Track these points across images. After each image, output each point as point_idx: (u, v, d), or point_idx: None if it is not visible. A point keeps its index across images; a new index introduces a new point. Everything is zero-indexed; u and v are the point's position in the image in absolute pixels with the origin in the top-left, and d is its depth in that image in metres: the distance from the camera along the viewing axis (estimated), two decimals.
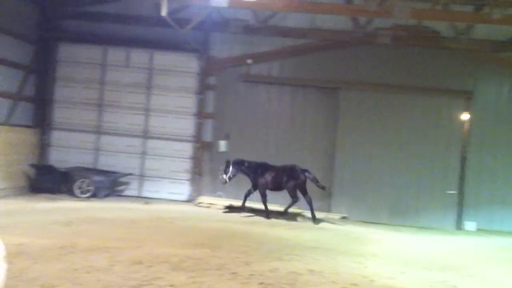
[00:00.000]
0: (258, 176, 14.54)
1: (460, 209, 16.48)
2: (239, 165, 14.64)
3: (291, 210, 15.01)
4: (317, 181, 14.57)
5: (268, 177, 14.50)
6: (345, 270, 8.64)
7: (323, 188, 14.73)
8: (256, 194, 14.78)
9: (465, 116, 16.60)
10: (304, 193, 14.52)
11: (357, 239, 12.36)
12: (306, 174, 14.50)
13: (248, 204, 14.86)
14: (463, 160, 16.56)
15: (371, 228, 14.85)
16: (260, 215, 14.46)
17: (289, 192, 14.43)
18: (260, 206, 14.79)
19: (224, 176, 14.55)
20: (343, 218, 16.21)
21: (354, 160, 16.66)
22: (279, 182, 14.49)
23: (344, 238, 12.28)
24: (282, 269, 8.27)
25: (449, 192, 16.40)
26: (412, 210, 16.50)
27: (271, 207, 15.79)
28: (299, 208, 15.89)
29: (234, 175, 14.65)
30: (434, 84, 16.63)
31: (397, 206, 16.53)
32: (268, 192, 14.65)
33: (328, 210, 16.51)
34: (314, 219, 14.31)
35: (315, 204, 15.58)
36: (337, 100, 16.86)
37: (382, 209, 16.52)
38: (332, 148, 16.83)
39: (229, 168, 14.51)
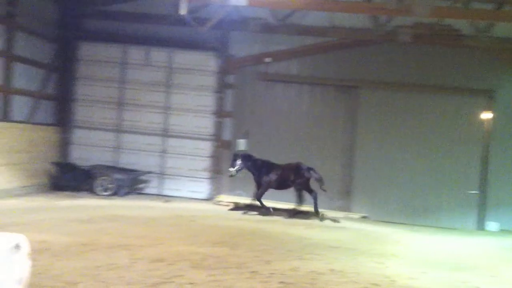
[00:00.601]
0: (263, 174, 14.44)
1: (482, 209, 16.29)
2: (247, 160, 14.56)
3: (304, 208, 15.05)
4: (322, 182, 14.31)
5: (274, 176, 14.39)
6: (366, 270, 8.59)
7: (325, 190, 14.35)
8: (277, 193, 14.73)
9: (486, 115, 16.40)
10: (310, 190, 14.43)
11: (378, 239, 12.29)
12: (311, 172, 14.38)
13: (270, 203, 14.89)
14: (485, 159, 16.36)
15: (391, 228, 14.74)
16: (280, 215, 14.44)
17: (298, 191, 14.30)
18: (280, 205, 14.79)
19: (232, 169, 14.44)
20: (363, 217, 16.13)
21: (373, 159, 16.57)
22: (285, 180, 14.39)
23: (364, 238, 12.21)
24: (302, 268, 8.25)
25: (470, 192, 16.22)
26: (432, 210, 16.35)
27: (289, 206, 15.80)
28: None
29: (241, 169, 14.54)
30: (455, 83, 16.46)
31: (418, 206, 16.39)
32: (274, 191, 14.61)
33: (348, 209, 16.44)
34: (318, 215, 14.24)
35: (334, 204, 15.62)
36: (356, 99, 16.78)
37: (403, 209, 16.39)
38: (351, 147, 16.75)
39: (237, 161, 14.43)
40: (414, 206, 16.41)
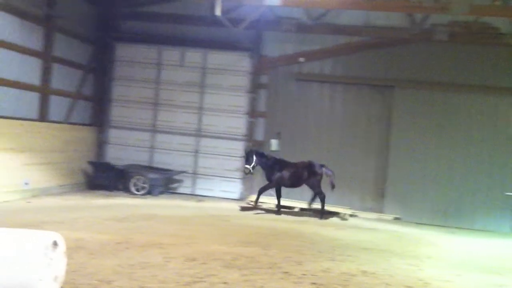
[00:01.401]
0: (276, 171, 14.27)
1: None
2: (261, 156, 14.37)
3: (339, 210, 14.98)
4: (334, 178, 14.20)
5: (287, 173, 14.26)
6: (399, 272, 8.48)
7: (333, 187, 14.21)
8: (301, 191, 14.70)
9: None
10: (319, 190, 14.28)
11: (411, 241, 12.13)
12: (324, 169, 14.31)
13: (293, 203, 15.09)
14: None
15: (425, 230, 14.52)
16: (311, 215, 14.40)
17: (313, 188, 14.26)
18: (299, 204, 15.03)
19: (248, 166, 14.16)
20: (396, 219, 15.93)
21: (408, 160, 16.32)
22: (298, 178, 14.29)
23: (397, 240, 12.07)
24: (334, 269, 8.21)
25: (507, 193, 15.82)
26: (467, 212, 16.00)
27: (318, 206, 15.77)
28: (350, 208, 15.78)
29: (256, 165, 14.36)
30: (493, 83, 16.07)
31: (452, 208, 16.07)
32: (288, 189, 14.74)
33: (381, 211, 16.26)
34: (322, 215, 14.20)
35: (366, 205, 15.56)
36: (391, 99, 16.56)
37: (437, 211, 16.10)
38: (386, 148, 16.54)
39: (252, 157, 14.17)
40: (448, 207, 16.09)
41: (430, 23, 15.99)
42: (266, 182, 14.56)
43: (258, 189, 14.57)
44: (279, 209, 14.66)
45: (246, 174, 14.72)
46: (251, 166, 14.14)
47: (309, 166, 14.36)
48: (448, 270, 8.94)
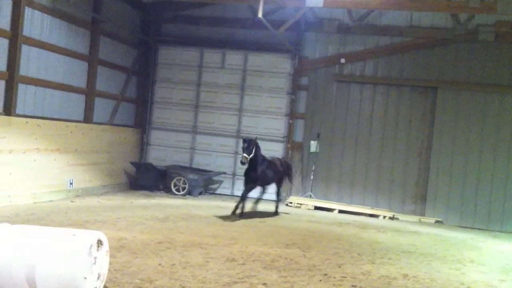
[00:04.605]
0: (264, 167, 12.97)
1: None
2: (258, 148, 12.75)
3: (380, 212, 14.83)
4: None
5: (271, 171, 13.33)
6: (441, 276, 8.35)
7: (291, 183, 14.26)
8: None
9: None
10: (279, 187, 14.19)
11: (454, 244, 11.90)
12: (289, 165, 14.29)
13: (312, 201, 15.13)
14: None
15: (468, 233, 14.21)
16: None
17: (281, 187, 14.17)
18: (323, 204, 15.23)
19: (247, 155, 12.25)
20: (438, 222, 15.65)
21: (450, 162, 15.99)
22: (279, 175, 13.70)
23: (439, 243, 11.86)
24: (374, 272, 8.15)
25: None
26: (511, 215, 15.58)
27: (359, 209, 15.70)
28: (390, 211, 15.62)
29: (253, 158, 12.50)
30: None
31: (496, 211, 15.63)
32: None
33: (422, 214, 16.00)
34: (276, 214, 13.87)
35: (407, 208, 15.46)
36: (434, 100, 16.27)
37: (480, 214, 15.70)
38: (427, 150, 16.26)
39: (252, 146, 12.38)
40: (492, 211, 15.67)
41: (475, 23, 15.66)
42: (252, 178, 12.86)
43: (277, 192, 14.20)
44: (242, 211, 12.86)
45: (243, 164, 12.60)
46: (250, 157, 12.35)
47: (285, 163, 14.30)
48: (492, 275, 8.76)
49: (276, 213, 13.96)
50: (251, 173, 12.75)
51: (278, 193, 14.31)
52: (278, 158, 14.43)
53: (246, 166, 12.72)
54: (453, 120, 16.02)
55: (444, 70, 16.22)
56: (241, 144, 12.82)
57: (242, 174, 13.71)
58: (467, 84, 15.99)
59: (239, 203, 12.71)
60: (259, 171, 12.80)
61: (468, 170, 15.85)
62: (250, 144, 12.42)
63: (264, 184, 13.57)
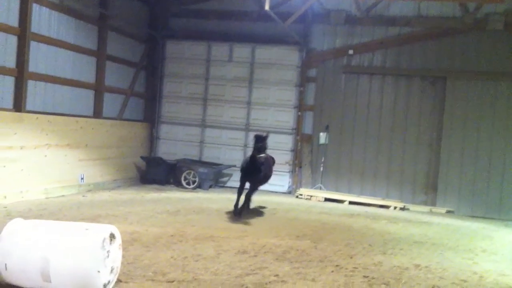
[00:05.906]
0: (266, 164, 12.23)
1: None
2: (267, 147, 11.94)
3: (391, 203, 14.78)
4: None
5: (270, 171, 12.78)
6: (453, 265, 8.35)
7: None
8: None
9: None
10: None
11: (465, 234, 11.87)
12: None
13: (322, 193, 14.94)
14: None
15: (479, 223, 14.15)
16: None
17: (263, 182, 12.67)
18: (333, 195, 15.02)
19: (262, 155, 11.61)
20: (449, 212, 15.59)
21: (460, 152, 15.89)
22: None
23: (451, 233, 11.84)
24: (386, 263, 8.16)
25: None
26: None
27: (370, 200, 15.68)
28: (401, 202, 15.59)
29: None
30: None
31: (508, 200, 15.52)
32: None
33: (433, 204, 15.95)
34: (247, 208, 12.22)
35: (418, 199, 15.39)
36: (443, 90, 16.17)
37: (491, 203, 15.60)
38: (437, 140, 16.18)
39: (265, 144, 11.66)
40: (503, 200, 15.57)
41: (484, 12, 15.52)
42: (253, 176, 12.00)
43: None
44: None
45: (262, 165, 11.89)
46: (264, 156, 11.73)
47: (272, 159, 13.22)
48: (504, 264, 8.75)
49: (247, 207, 12.24)
50: (254, 173, 11.81)
51: (253, 189, 12.26)
52: (271, 156, 13.36)
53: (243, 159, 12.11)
54: (463, 110, 15.92)
55: (453, 59, 16.11)
56: (252, 140, 11.98)
57: None
58: (476, 73, 15.88)
59: (237, 200, 11.79)
60: (262, 173, 12.00)
61: (479, 159, 15.75)
62: (263, 141, 11.63)
63: (263, 183, 12.87)
